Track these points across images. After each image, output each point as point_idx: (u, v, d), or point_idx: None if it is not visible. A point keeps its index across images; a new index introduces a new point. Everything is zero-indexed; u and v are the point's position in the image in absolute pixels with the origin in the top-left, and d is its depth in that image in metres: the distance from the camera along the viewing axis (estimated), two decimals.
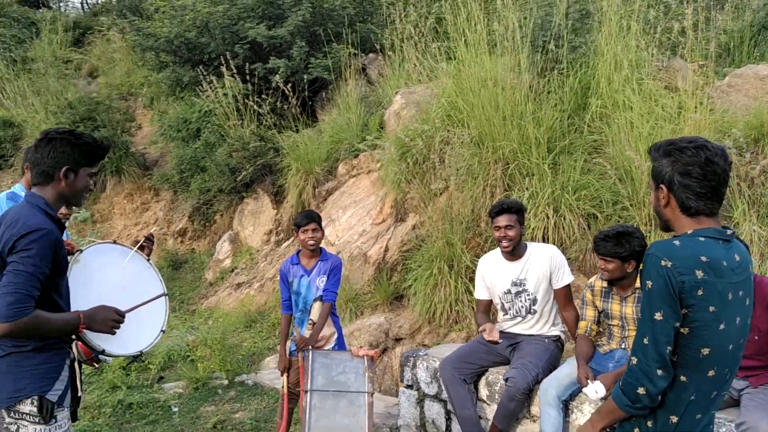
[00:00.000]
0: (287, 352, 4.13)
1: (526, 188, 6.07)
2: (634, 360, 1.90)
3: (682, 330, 1.87)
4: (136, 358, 2.70)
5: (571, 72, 6.61)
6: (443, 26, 8.52)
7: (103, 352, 2.58)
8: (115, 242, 2.89)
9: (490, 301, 4.02)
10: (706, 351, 1.87)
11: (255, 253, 9.27)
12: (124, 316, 2.53)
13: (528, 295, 3.80)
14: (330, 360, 3.35)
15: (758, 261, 5.15)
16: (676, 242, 1.88)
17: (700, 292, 1.83)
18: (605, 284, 3.55)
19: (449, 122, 6.73)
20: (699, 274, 1.83)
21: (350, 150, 8.46)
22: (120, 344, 2.59)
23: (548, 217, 5.85)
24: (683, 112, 5.97)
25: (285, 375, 4.01)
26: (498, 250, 3.94)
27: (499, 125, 6.33)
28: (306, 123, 9.32)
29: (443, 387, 3.80)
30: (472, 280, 6.21)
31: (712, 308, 1.85)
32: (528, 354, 3.60)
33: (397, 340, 6.52)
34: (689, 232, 1.92)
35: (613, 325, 3.55)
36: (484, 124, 6.43)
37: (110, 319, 2.46)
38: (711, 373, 1.89)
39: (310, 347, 3.57)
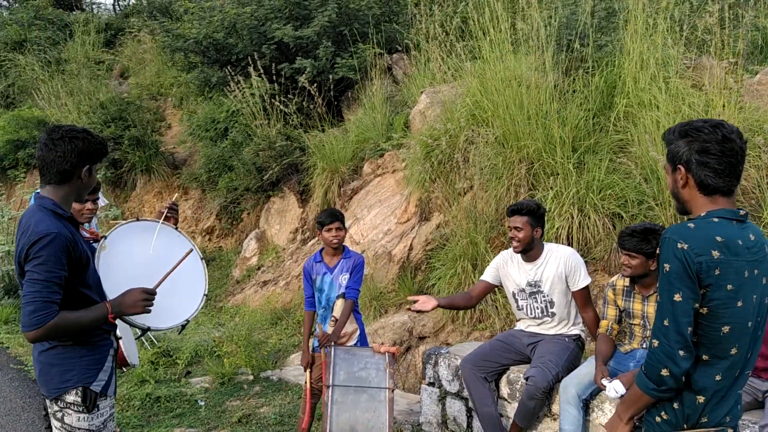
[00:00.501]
0: (310, 349, 4.20)
1: (551, 187, 6.06)
2: (656, 342, 1.93)
3: (701, 310, 1.91)
4: (185, 327, 2.72)
5: (597, 71, 6.57)
6: (468, 26, 8.54)
7: (149, 330, 2.62)
8: (138, 219, 2.89)
9: (488, 287, 4.03)
10: (726, 329, 1.91)
11: (281, 251, 9.38)
12: (154, 293, 2.53)
13: (544, 296, 3.81)
14: (352, 356, 3.40)
15: None
16: (691, 225, 1.93)
17: (717, 272, 1.87)
18: (627, 283, 3.52)
19: (474, 121, 6.74)
20: (715, 254, 1.87)
21: (375, 149, 8.52)
22: (165, 318, 2.62)
23: (573, 217, 5.83)
24: (710, 110, 5.90)
25: (308, 371, 4.08)
26: None
27: (524, 124, 6.32)
28: (332, 122, 9.40)
29: (465, 385, 3.83)
30: None
31: (729, 286, 1.88)
32: (548, 353, 3.61)
33: (421, 338, 6.55)
34: (703, 214, 1.97)
35: (635, 325, 3.51)
36: (508, 123, 6.43)
37: (140, 300, 2.48)
38: (733, 351, 1.93)
39: (333, 343, 3.63)
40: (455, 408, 4.12)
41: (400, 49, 9.58)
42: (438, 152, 6.78)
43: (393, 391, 3.20)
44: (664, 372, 1.90)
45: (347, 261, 4.16)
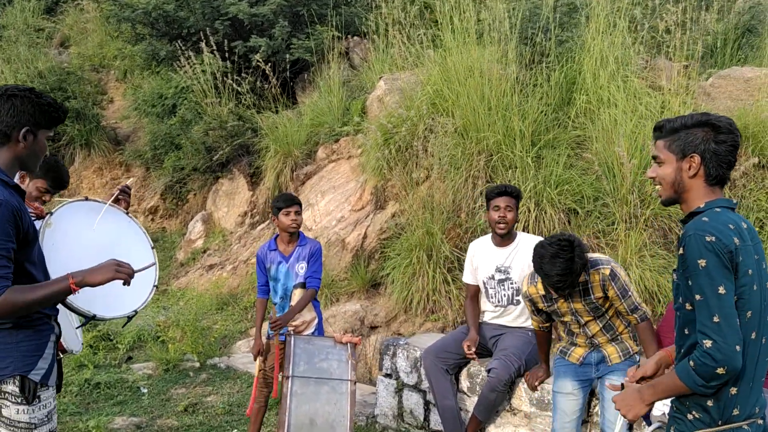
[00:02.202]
0: (264, 336, 4.05)
1: (508, 181, 6.04)
2: (708, 343, 1.88)
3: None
4: (131, 318, 2.55)
5: (557, 66, 6.59)
6: (428, 13, 8.44)
7: (94, 318, 2.43)
8: (87, 198, 2.69)
9: (478, 288, 3.98)
10: (749, 314, 1.94)
11: (228, 234, 9.12)
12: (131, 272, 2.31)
13: (512, 284, 3.77)
14: (312, 346, 3.27)
15: None
16: (705, 218, 1.96)
17: (740, 258, 1.92)
18: (541, 290, 3.32)
19: (434, 110, 6.66)
20: (736, 240, 1.92)
21: (330, 134, 8.34)
22: (112, 306, 2.44)
23: (530, 211, 5.82)
24: (666, 111, 5.99)
25: (260, 358, 3.93)
26: (487, 236, 3.90)
27: (484, 116, 6.28)
28: (286, 104, 9.17)
29: (425, 377, 3.76)
30: (450, 270, 6.20)
31: (750, 271, 1.94)
32: (511, 346, 3.57)
33: (373, 328, 6.46)
34: (702, 205, 2.02)
35: (568, 321, 3.35)
36: (469, 114, 6.38)
37: (112, 267, 2.24)
38: (753, 335, 1.96)
39: (292, 333, 3.49)
40: (412, 401, 4.05)
41: (358, 33, 9.41)
42: (397, 139, 6.67)
43: (355, 383, 3.09)
44: (721, 371, 1.87)
45: (303, 248, 4.01)
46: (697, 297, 1.92)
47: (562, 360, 3.37)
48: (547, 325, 3.51)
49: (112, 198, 2.72)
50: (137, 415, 4.54)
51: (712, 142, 2.00)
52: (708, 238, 1.89)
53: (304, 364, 3.13)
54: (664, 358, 2.38)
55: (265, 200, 8.70)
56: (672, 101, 5.87)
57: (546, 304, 3.32)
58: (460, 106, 6.46)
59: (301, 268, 3.95)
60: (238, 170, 9.31)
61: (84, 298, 2.36)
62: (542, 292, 3.29)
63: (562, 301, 3.27)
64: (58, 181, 3.30)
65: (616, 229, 5.57)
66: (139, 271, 2.43)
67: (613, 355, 3.26)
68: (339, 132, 8.29)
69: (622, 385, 2.20)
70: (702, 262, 1.90)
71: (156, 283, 2.66)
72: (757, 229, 5.21)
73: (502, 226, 3.76)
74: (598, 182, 5.81)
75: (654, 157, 2.13)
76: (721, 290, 1.88)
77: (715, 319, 1.88)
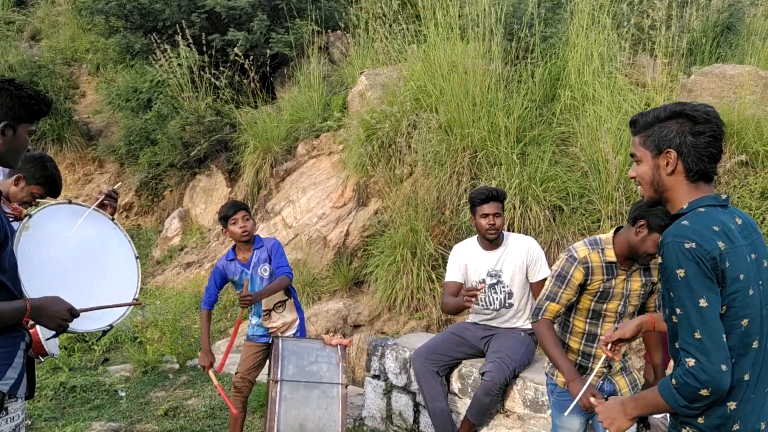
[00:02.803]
0: (244, 337, 3.94)
1: (493, 177, 5.97)
2: (691, 361, 1.71)
3: (721, 310, 1.75)
4: (105, 332, 2.40)
5: (542, 62, 6.54)
6: (409, 8, 8.34)
7: (65, 330, 2.28)
8: (71, 201, 2.52)
9: (461, 286, 3.87)
10: (745, 322, 1.77)
11: (206, 232, 8.94)
12: (77, 316, 2.18)
13: (503, 287, 3.69)
14: (301, 348, 3.15)
15: None
16: (685, 222, 1.79)
17: (727, 264, 1.74)
18: (609, 257, 2.75)
19: (417, 106, 6.57)
20: (721, 245, 1.74)
21: (311, 130, 8.21)
22: (86, 318, 2.28)
23: (515, 208, 5.77)
24: (650, 108, 5.96)
25: (211, 372, 3.78)
26: (473, 239, 3.81)
27: (469, 112, 6.21)
28: (265, 99, 9.01)
29: (414, 379, 3.67)
30: (434, 268, 6.12)
31: (741, 276, 1.75)
32: (504, 347, 3.49)
33: (356, 326, 6.36)
34: (685, 205, 1.84)
35: (607, 314, 2.83)
36: (453, 110, 6.30)
37: (60, 317, 2.13)
38: (755, 344, 1.79)
39: (280, 335, 3.37)
40: (401, 402, 3.96)
41: (338, 27, 9.27)
42: (380, 135, 6.57)
43: (347, 387, 2.99)
44: (704, 392, 1.70)
45: (260, 251, 3.82)
46: (678, 310, 1.74)
47: (567, 394, 2.77)
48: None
49: (97, 202, 2.54)
50: (115, 420, 4.38)
51: (689, 135, 1.82)
52: (687, 245, 1.72)
53: (293, 367, 3.01)
54: (645, 323, 2.26)
55: (244, 196, 8.53)
56: (656, 98, 5.84)
57: (603, 277, 2.77)
58: (444, 102, 6.38)
59: (265, 270, 3.79)
60: (216, 166, 9.14)
61: None
62: (610, 260, 2.75)
63: (623, 277, 2.78)
64: (53, 190, 3.14)
65: (602, 226, 5.54)
66: (120, 305, 2.32)
67: (624, 390, 2.88)
68: (319, 128, 8.16)
69: (606, 398, 2.07)
70: (681, 272, 1.72)
71: (137, 296, 2.50)
72: None
73: (492, 233, 3.66)
74: (584, 179, 5.77)
75: (632, 155, 1.95)
76: (702, 303, 1.70)
77: (697, 335, 1.70)
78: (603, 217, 5.55)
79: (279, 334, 3.57)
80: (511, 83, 6.42)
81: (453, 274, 3.88)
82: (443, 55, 6.56)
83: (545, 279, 3.70)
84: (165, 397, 4.78)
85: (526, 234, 5.73)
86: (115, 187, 2.74)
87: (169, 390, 4.92)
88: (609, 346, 2.32)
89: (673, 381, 1.76)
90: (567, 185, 5.78)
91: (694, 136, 1.82)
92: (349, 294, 6.64)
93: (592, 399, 2.05)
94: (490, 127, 6.13)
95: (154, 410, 4.50)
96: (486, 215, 3.66)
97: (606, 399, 2.02)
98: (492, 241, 3.71)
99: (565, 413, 2.59)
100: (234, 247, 3.93)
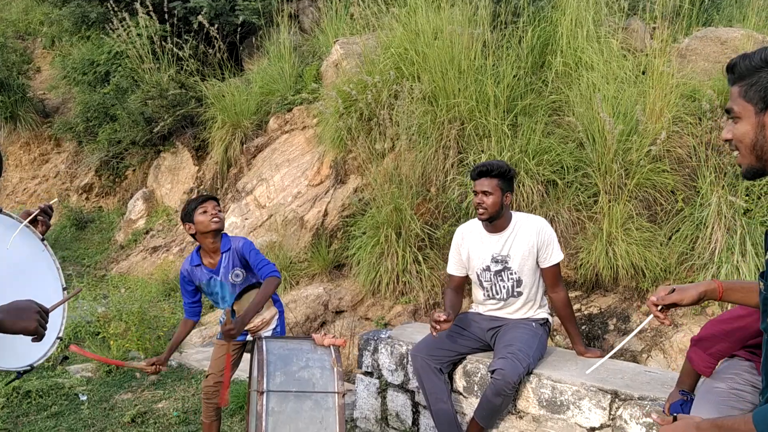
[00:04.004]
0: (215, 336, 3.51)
1: (482, 151, 5.58)
2: None
3: None
4: (21, 374, 1.98)
5: (530, 27, 6.12)
6: None
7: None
8: (1, 210, 2.11)
9: (465, 278, 3.49)
10: None
11: (173, 213, 8.41)
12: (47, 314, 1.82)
13: (512, 274, 3.29)
14: (288, 351, 2.72)
15: (725, 234, 4.89)
16: None
17: None
18: None
19: (399, 75, 6.12)
20: None
21: (283, 103, 7.71)
22: (2, 354, 1.86)
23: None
24: (649, 74, 5.61)
25: (144, 366, 3.34)
26: (477, 219, 3.40)
27: (455, 81, 5.78)
28: (233, 71, 8.45)
29: (416, 377, 3.27)
30: (421, 249, 5.73)
31: None
32: (516, 340, 3.10)
33: (338, 312, 5.97)
34: None
35: None
36: (437, 78, 5.86)
37: (34, 318, 1.76)
38: None
39: (262, 336, 2.93)
40: (398, 402, 3.57)
41: None
42: (361, 106, 6.10)
43: (344, 395, 2.58)
44: None
45: (229, 254, 3.32)
46: None
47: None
48: None
49: (30, 217, 2.14)
50: (76, 429, 3.90)
51: None
52: None
53: (281, 374, 2.59)
54: (711, 292, 1.90)
55: (213, 175, 8.03)
56: (656, 63, 5.47)
57: None
58: (427, 70, 5.93)
59: (236, 276, 3.32)
60: (182, 143, 8.58)
61: None
62: None
63: None
64: None
65: (599, 201, 5.20)
66: (66, 300, 1.93)
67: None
68: (292, 101, 7.67)
69: (675, 417, 1.66)
70: None
71: (61, 335, 2.09)
72: (745, 202, 4.93)
73: (480, 212, 3.25)
74: (579, 151, 5.40)
75: (727, 111, 1.52)
76: None
77: None
78: (600, 191, 5.20)
79: (260, 333, 3.15)
80: (500, 49, 6.00)
81: (452, 265, 3.49)
82: (426, 20, 6.11)
83: (558, 264, 3.34)
84: (132, 400, 4.31)
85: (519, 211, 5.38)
86: (51, 203, 2.31)
87: (136, 392, 4.45)
88: (660, 308, 1.94)
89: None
90: (561, 158, 5.41)
91: None
92: (329, 278, 6.23)
93: (654, 416, 1.66)
94: (478, 96, 5.71)
95: (120, 416, 4.03)
96: (476, 192, 3.27)
97: (675, 418, 1.63)
98: (489, 221, 3.30)
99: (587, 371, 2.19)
100: (198, 250, 3.40)
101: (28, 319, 1.73)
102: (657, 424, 1.74)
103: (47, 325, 1.81)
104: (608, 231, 4.99)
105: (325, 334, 2.81)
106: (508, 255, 3.29)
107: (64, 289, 2.22)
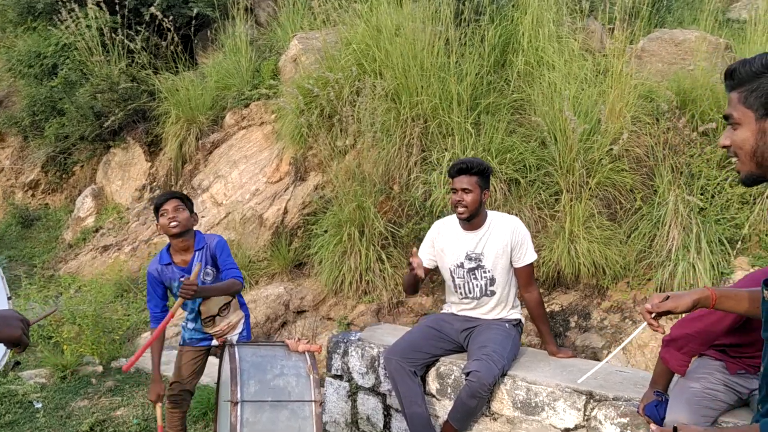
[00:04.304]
0: (179, 341, 3.39)
1: (446, 149, 5.57)
2: None
3: None
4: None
5: (492, 25, 6.13)
6: None
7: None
8: None
9: (428, 271, 3.44)
10: None
11: (124, 211, 8.15)
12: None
13: (485, 272, 3.28)
14: (261, 358, 2.63)
15: (682, 232, 5.00)
16: None
17: None
18: None
19: (361, 71, 6.05)
20: None
21: (240, 98, 7.55)
22: None
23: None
24: (608, 74, 5.69)
25: (159, 406, 3.19)
26: (454, 215, 3.38)
27: (417, 78, 5.74)
28: (187, 65, 8.22)
29: (389, 380, 3.22)
30: (384, 247, 5.69)
31: None
32: (491, 342, 3.09)
33: (299, 312, 5.88)
34: None
35: None
36: (400, 75, 5.82)
37: (17, 325, 1.72)
38: None
39: (235, 342, 2.83)
40: (369, 405, 3.52)
41: None
42: (323, 103, 6.01)
43: (321, 404, 2.51)
44: None
45: (202, 252, 3.21)
46: None
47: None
48: None
49: None
50: None
51: None
52: None
53: (255, 383, 2.50)
54: (705, 299, 1.89)
55: (167, 171, 7.81)
56: (616, 64, 5.55)
57: None
58: (390, 67, 5.88)
59: (207, 274, 3.21)
60: (134, 138, 8.31)
61: None
62: None
63: None
64: None
65: (561, 199, 5.25)
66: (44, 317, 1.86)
67: None
68: (249, 96, 7.51)
69: (675, 428, 1.65)
70: None
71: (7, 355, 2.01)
72: (701, 201, 5.06)
73: (460, 210, 3.23)
74: (541, 150, 5.44)
75: (726, 117, 1.51)
76: None
77: None
78: (562, 190, 5.26)
79: (227, 338, 3.05)
80: (463, 47, 5.99)
81: (423, 254, 3.45)
82: (388, 17, 6.05)
83: (531, 264, 3.35)
84: (89, 407, 4.13)
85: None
86: None
87: (93, 398, 4.27)
88: (653, 315, 1.95)
89: None
90: (524, 156, 5.44)
91: None
92: (290, 277, 6.13)
93: (653, 427, 1.65)
94: (442, 94, 5.70)
95: (78, 425, 3.86)
96: (455, 190, 3.25)
97: (675, 429, 1.61)
98: (468, 220, 3.29)
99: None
100: (168, 248, 3.25)
101: (13, 327, 1.70)
102: None
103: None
104: (570, 229, 5.04)
105: (299, 340, 2.73)
106: (482, 253, 3.28)
107: (8, 298, 2.11)
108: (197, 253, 3.18)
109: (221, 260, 3.18)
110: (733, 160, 1.54)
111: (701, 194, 5.18)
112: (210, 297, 3.23)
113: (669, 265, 4.88)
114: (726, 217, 5.01)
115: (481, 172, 3.24)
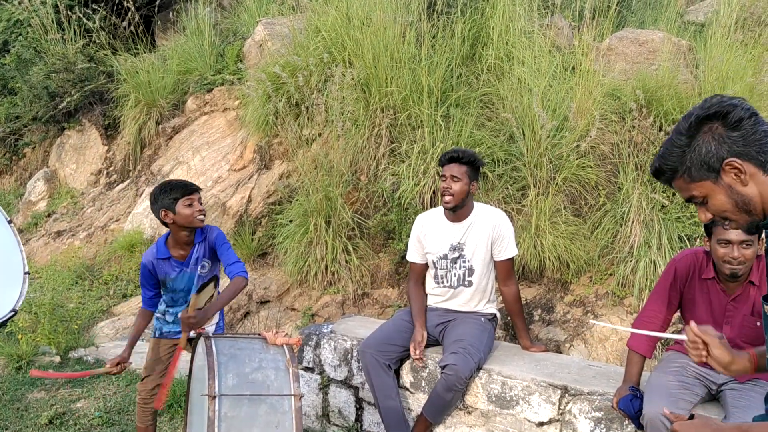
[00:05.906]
0: (156, 332, 3.28)
1: (415, 141, 5.55)
2: None
3: None
4: (7, 322, 1.85)
5: (463, 18, 6.13)
6: None
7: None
8: None
9: (425, 267, 3.44)
10: None
11: (79, 196, 7.89)
12: None
13: (464, 262, 3.28)
14: (239, 351, 2.57)
15: (644, 229, 5.10)
16: None
17: None
18: None
19: (330, 59, 5.97)
20: None
21: (202, 83, 7.38)
22: None
23: (438, 175, 5.39)
24: (577, 71, 5.75)
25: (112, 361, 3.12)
26: (439, 209, 3.38)
27: (387, 68, 5.70)
28: (147, 47, 7.99)
29: (364, 374, 3.20)
30: (351, 238, 5.64)
31: None
32: (466, 335, 3.09)
33: (263, 303, 5.80)
34: None
35: None
36: (370, 65, 5.77)
37: None
38: None
39: (211, 334, 2.75)
40: (341, 398, 3.49)
41: None
42: (291, 89, 5.91)
43: (301, 399, 2.47)
44: None
45: (202, 245, 3.10)
46: None
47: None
48: None
49: None
50: None
51: (727, 131, 1.46)
52: None
53: (233, 377, 2.43)
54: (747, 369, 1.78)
55: (125, 156, 7.58)
56: (585, 61, 5.61)
57: None
58: (360, 57, 5.82)
59: (203, 267, 3.12)
60: (90, 121, 8.04)
61: None
62: None
63: None
64: None
65: (528, 194, 5.29)
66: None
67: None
68: (212, 81, 7.35)
69: (692, 415, 1.68)
70: None
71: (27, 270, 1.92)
72: (664, 198, 5.17)
73: (446, 198, 3.24)
74: (509, 144, 5.47)
75: (689, 200, 1.57)
76: None
77: None
78: (529, 185, 5.30)
79: (206, 330, 2.97)
80: (434, 39, 5.97)
81: (412, 252, 3.47)
82: (359, 5, 5.99)
83: (512, 259, 3.36)
84: (47, 399, 3.98)
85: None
86: None
87: (50, 390, 4.12)
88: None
89: None
90: (492, 150, 5.46)
91: (733, 129, 1.46)
92: (253, 267, 6.03)
93: (666, 411, 1.65)
94: (412, 85, 5.67)
95: (36, 418, 3.71)
96: (444, 177, 3.26)
97: (692, 416, 1.63)
98: (453, 210, 3.29)
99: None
100: (165, 240, 3.13)
101: None
102: (669, 419, 1.73)
103: None
104: (536, 224, 5.09)
105: (277, 332, 2.68)
106: (464, 243, 3.29)
107: (10, 222, 2.04)
108: (197, 245, 3.07)
109: (222, 255, 3.07)
110: (727, 223, 1.59)
111: (663, 192, 5.30)
112: (202, 290, 3.13)
113: (631, 261, 4.98)
114: (686, 215, 5.12)
115: (471, 163, 3.26)
